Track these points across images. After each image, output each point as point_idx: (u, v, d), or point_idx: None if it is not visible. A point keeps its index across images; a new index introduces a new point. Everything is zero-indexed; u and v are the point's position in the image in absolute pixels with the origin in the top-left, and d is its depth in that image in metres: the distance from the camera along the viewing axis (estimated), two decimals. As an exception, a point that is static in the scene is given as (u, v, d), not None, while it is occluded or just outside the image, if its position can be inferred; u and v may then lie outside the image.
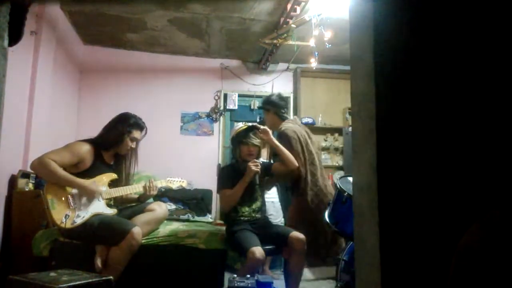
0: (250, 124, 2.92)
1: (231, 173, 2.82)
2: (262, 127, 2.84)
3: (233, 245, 2.65)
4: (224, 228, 2.99)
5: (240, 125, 2.94)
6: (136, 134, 2.70)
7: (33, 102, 3.54)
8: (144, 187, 2.67)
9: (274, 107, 3.20)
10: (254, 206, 2.78)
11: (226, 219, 2.90)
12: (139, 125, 2.73)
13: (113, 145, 2.65)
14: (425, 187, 1.16)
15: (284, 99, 3.34)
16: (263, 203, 2.89)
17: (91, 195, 2.50)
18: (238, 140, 2.82)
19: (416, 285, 1.12)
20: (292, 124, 3.15)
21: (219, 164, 5.19)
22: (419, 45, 1.21)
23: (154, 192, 2.71)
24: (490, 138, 1.20)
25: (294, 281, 2.59)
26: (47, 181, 2.54)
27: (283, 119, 3.20)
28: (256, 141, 2.79)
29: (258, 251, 2.39)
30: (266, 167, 2.86)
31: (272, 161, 3.10)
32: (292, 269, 2.58)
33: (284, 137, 2.98)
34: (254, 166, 2.68)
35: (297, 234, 2.55)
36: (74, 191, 2.48)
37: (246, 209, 2.75)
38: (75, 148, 2.52)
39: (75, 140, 2.70)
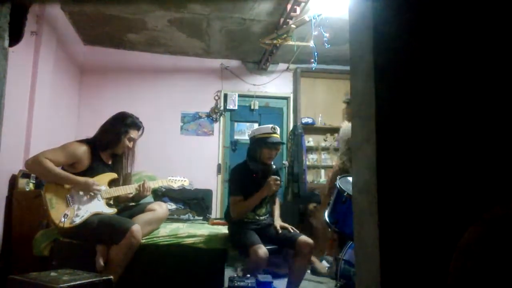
0: (276, 130, 2.80)
1: (243, 176, 2.78)
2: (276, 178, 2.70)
3: (235, 244, 2.66)
4: (221, 227, 3.00)
5: (266, 128, 2.82)
6: (133, 134, 2.68)
7: (34, 102, 3.54)
8: (137, 189, 2.67)
9: None
10: (259, 212, 2.78)
11: (227, 218, 2.90)
12: (136, 125, 2.71)
13: (110, 145, 2.64)
14: (425, 186, 1.16)
15: None
16: (269, 208, 2.89)
17: (88, 191, 2.49)
18: (263, 142, 2.73)
19: (416, 285, 1.12)
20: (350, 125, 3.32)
21: (219, 164, 5.20)
22: (419, 45, 1.22)
23: (148, 193, 2.70)
24: (490, 137, 1.21)
25: (297, 281, 2.62)
26: (45, 180, 2.54)
27: None
28: (279, 146, 2.79)
29: (261, 249, 2.41)
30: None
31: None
32: (296, 271, 2.60)
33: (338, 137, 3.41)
34: (275, 185, 2.66)
35: (305, 238, 2.59)
36: (73, 190, 2.48)
37: (251, 214, 2.76)
38: (71, 149, 2.52)
39: (74, 140, 2.70)
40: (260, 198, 2.67)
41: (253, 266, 2.42)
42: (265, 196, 2.70)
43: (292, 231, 2.69)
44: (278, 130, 2.80)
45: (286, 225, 2.75)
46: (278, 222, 2.78)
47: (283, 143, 2.87)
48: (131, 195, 2.76)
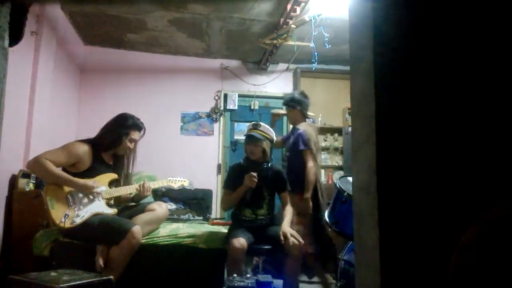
0: (258, 124, 2.83)
1: (236, 172, 2.84)
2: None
3: (226, 242, 2.68)
4: (221, 227, 3.02)
5: (249, 125, 2.89)
6: (134, 135, 2.69)
7: (34, 102, 3.54)
8: (137, 189, 2.67)
9: (300, 105, 3.38)
10: (258, 212, 2.78)
11: (231, 216, 2.94)
12: (137, 126, 2.72)
13: (111, 146, 2.65)
14: (425, 186, 1.16)
15: (307, 97, 3.46)
16: (271, 209, 2.86)
17: (88, 193, 2.50)
18: (245, 138, 2.87)
19: (416, 285, 1.12)
20: (310, 128, 3.32)
21: (219, 164, 5.20)
22: (418, 45, 1.22)
23: (148, 193, 2.70)
24: (490, 137, 1.21)
25: (291, 282, 2.60)
26: (45, 181, 2.55)
27: (306, 117, 3.40)
28: (259, 142, 2.75)
29: (237, 241, 2.43)
30: (279, 184, 2.84)
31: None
32: (288, 272, 2.59)
33: (302, 137, 3.20)
34: (249, 181, 2.65)
35: (294, 240, 2.53)
36: (73, 190, 2.48)
37: (249, 212, 2.77)
38: (72, 149, 2.52)
39: (75, 140, 2.70)
40: (241, 192, 2.71)
41: (230, 258, 2.44)
42: (244, 191, 2.69)
43: (293, 240, 2.52)
44: (261, 126, 2.80)
45: (288, 233, 2.54)
46: (283, 229, 2.57)
47: (258, 138, 2.74)
48: (131, 195, 2.77)
